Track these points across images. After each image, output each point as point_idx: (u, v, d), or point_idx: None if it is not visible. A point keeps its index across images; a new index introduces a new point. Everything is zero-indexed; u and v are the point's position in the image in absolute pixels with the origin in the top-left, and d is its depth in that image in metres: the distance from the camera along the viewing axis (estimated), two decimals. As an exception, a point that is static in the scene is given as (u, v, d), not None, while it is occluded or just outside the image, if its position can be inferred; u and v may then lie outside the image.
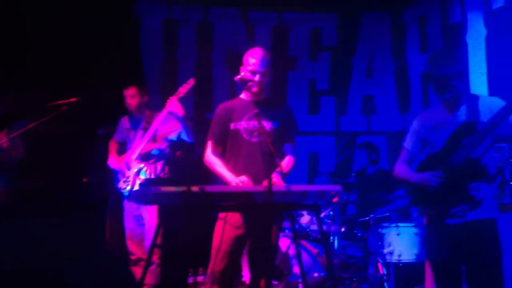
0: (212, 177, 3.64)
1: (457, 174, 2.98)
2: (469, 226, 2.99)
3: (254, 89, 3.55)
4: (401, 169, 3.30)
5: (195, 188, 2.94)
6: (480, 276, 2.97)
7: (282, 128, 3.63)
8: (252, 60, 3.53)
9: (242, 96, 3.67)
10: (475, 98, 3.13)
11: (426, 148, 3.24)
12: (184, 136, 4.47)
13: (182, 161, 4.20)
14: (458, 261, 3.04)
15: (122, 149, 4.82)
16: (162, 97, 4.73)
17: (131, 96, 4.75)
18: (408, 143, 3.31)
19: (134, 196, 3.27)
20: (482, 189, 3.02)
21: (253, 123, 3.52)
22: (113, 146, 4.89)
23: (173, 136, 4.61)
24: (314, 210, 3.46)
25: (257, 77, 3.52)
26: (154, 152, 4.57)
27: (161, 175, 4.31)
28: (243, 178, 3.40)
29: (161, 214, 3.18)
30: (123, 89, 4.79)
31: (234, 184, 3.38)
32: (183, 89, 4.39)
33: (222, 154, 3.62)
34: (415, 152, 3.28)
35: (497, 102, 3.01)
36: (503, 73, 5.30)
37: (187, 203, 2.93)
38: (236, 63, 3.68)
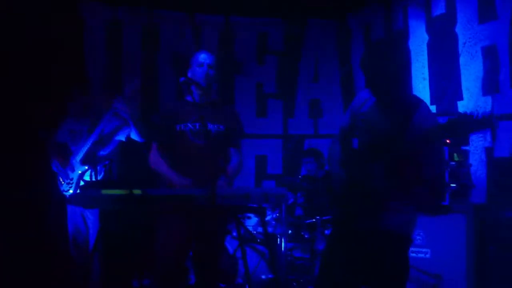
0: (157, 179, 3.60)
1: (362, 178, 2.65)
2: (370, 235, 2.66)
3: (203, 87, 3.53)
4: (333, 149, 2.98)
5: (137, 191, 2.90)
6: None
7: (227, 132, 3.63)
8: (200, 55, 3.58)
9: (188, 98, 3.66)
10: (414, 105, 2.71)
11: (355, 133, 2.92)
12: (134, 136, 4.43)
13: (127, 163, 4.15)
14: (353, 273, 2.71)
15: (65, 151, 4.71)
16: (106, 98, 4.64)
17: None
18: (343, 119, 2.99)
19: (75, 199, 3.19)
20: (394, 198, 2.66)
21: (199, 125, 3.51)
22: (56, 148, 4.77)
23: (121, 137, 4.56)
24: (259, 212, 3.46)
25: (204, 68, 3.52)
26: (100, 153, 4.50)
27: (106, 177, 4.23)
28: (188, 181, 3.37)
29: (103, 218, 3.13)
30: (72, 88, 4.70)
31: (180, 187, 3.35)
32: (128, 90, 4.36)
33: (167, 155, 3.59)
34: (346, 128, 2.96)
35: (430, 121, 2.63)
36: (444, 77, 5.47)
37: (129, 207, 2.89)
38: (183, 65, 3.67)
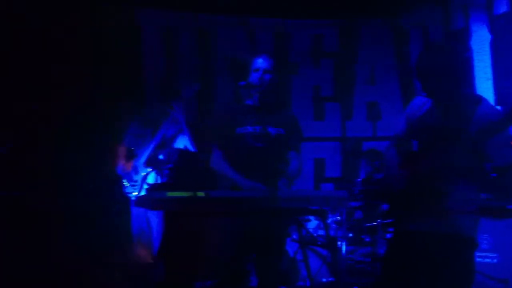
0: (218, 182, 3.64)
1: (425, 178, 2.61)
2: (430, 238, 2.61)
3: (261, 91, 3.55)
4: (389, 154, 2.98)
5: (200, 193, 2.94)
6: None
7: (287, 135, 3.63)
8: (258, 60, 3.59)
9: (248, 101, 3.68)
10: (475, 101, 2.67)
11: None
12: (188, 144, 4.50)
13: (189, 167, 4.22)
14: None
15: (129, 155, 4.84)
16: (165, 103, 4.75)
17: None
18: (398, 126, 3.00)
19: (140, 201, 3.27)
20: (454, 199, 2.61)
21: (259, 128, 3.53)
22: (120, 151, 4.91)
23: (179, 144, 4.64)
24: (320, 215, 3.45)
25: (259, 73, 3.54)
26: (161, 157, 4.60)
27: (168, 180, 4.32)
28: (258, 185, 3.39)
29: (167, 219, 3.19)
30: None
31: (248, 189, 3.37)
32: (186, 95, 4.43)
33: (226, 158, 3.62)
34: (402, 136, 2.97)
35: (494, 114, 2.57)
36: (508, 77, 5.29)
37: (193, 208, 2.93)
38: (239, 69, 3.69)
